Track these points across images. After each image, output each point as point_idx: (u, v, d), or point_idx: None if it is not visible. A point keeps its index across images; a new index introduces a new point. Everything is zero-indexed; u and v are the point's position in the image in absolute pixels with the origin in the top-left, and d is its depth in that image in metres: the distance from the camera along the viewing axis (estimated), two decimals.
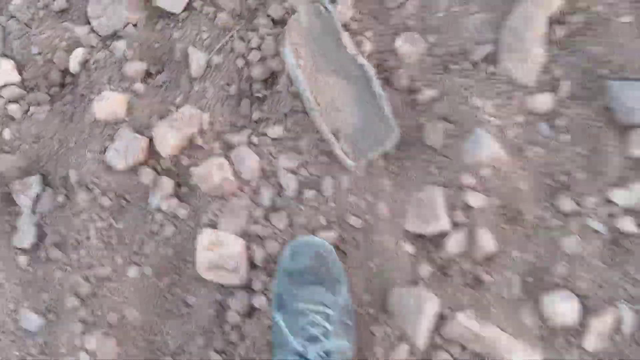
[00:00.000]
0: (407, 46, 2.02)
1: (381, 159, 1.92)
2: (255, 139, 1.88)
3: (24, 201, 1.72)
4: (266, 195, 1.87)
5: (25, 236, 1.76)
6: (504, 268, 1.88)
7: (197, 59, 1.95)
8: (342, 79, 1.92)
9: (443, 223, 1.78)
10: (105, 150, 1.80)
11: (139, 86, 1.90)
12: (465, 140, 1.95)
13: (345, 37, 1.90)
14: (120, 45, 1.96)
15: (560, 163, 2.00)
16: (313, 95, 1.85)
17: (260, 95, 2.03)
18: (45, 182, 1.89)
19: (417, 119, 2.02)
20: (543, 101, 1.97)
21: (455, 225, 1.84)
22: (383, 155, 1.94)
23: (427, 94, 1.99)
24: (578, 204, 1.92)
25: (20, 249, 1.75)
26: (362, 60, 1.86)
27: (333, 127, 1.89)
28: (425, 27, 2.08)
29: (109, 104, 1.80)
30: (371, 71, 1.89)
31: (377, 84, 1.87)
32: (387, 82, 2.01)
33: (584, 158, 1.99)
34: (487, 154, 1.88)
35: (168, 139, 1.77)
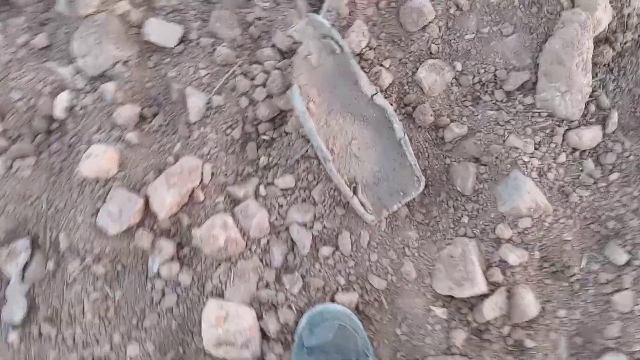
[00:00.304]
0: (432, 76, 1.83)
1: (404, 207, 1.76)
2: (263, 190, 1.70)
3: (12, 269, 1.55)
4: (277, 254, 1.72)
5: (16, 309, 1.75)
6: (549, 330, 1.68)
7: (196, 101, 1.77)
8: (359, 123, 1.84)
9: (479, 286, 1.58)
10: (97, 212, 1.60)
11: (132, 135, 1.74)
12: (500, 185, 1.75)
13: (362, 77, 1.82)
14: (109, 88, 1.79)
15: (610, 207, 1.78)
16: (326, 142, 1.78)
17: (267, 137, 1.95)
18: (35, 245, 1.71)
19: (445, 160, 1.83)
20: (589, 136, 1.75)
21: (493, 285, 1.63)
22: (407, 203, 1.86)
23: (456, 130, 1.78)
24: (631, 253, 1.69)
25: (10, 324, 1.73)
26: (381, 100, 1.83)
27: (349, 176, 1.84)
28: (452, 53, 1.88)
29: (98, 161, 1.64)
30: (392, 113, 1.81)
31: (399, 128, 1.81)
32: (409, 117, 1.89)
33: (638, 200, 1.74)
34: (526, 200, 1.68)
35: (166, 199, 1.62)
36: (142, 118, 1.92)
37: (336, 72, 1.75)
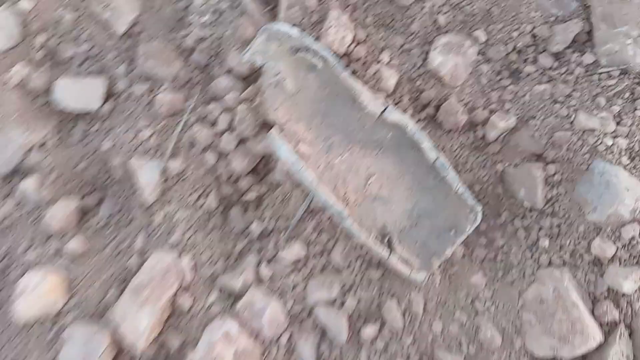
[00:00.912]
0: (449, 58, 1.44)
1: (459, 246, 1.45)
2: (266, 270, 1.30)
3: None
4: (306, 350, 1.37)
5: None
6: None
7: (147, 174, 1.35)
8: (372, 152, 1.40)
9: (593, 335, 1.14)
10: None
11: (74, 244, 1.36)
12: (581, 185, 1.29)
13: (361, 91, 1.36)
14: (29, 185, 1.35)
15: None
16: (334, 192, 1.37)
17: (253, 195, 1.52)
18: None
19: (495, 167, 1.39)
20: None
21: (607, 326, 1.18)
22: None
23: (500, 124, 1.33)
24: None
25: None
26: (394, 116, 1.38)
27: (377, 226, 1.41)
28: (467, 20, 1.45)
29: (37, 294, 1.20)
30: (414, 129, 1.36)
31: (429, 146, 1.36)
32: (432, 122, 1.63)
33: None
34: (625, 198, 1.22)
35: (140, 323, 1.20)
36: (83, 213, 1.48)
37: (324, 94, 1.31)
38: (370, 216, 1.35)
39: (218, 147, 1.50)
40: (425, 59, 1.49)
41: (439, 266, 1.40)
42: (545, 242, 1.39)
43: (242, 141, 1.51)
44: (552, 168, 1.39)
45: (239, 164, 1.48)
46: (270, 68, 1.30)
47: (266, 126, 1.53)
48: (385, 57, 1.48)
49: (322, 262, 1.44)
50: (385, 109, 1.29)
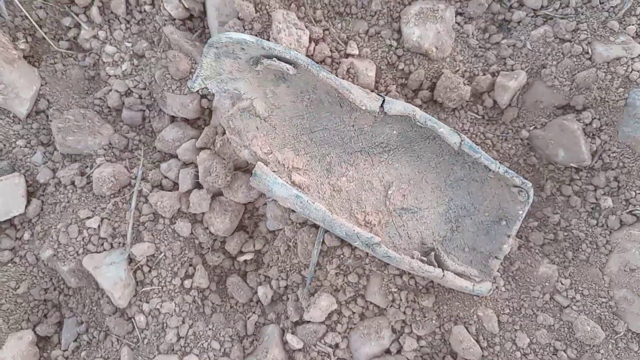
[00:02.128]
0: (428, 28, 1.31)
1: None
2: (294, 341, 1.37)
3: None
4: None
5: None
6: None
7: (109, 273, 1.20)
8: (382, 157, 1.19)
9: None
10: None
11: None
12: (624, 125, 1.22)
13: (349, 87, 1.12)
14: None
15: None
16: (351, 219, 1.15)
17: (249, 256, 1.35)
18: None
19: (519, 133, 1.33)
20: None
21: None
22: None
23: (510, 84, 1.29)
24: None
25: None
26: (396, 106, 1.15)
27: (414, 244, 1.20)
28: None
29: None
30: (423, 115, 1.13)
31: (448, 131, 1.13)
32: (432, 104, 1.35)
33: None
34: None
35: None
36: (43, 345, 1.15)
37: (304, 105, 1.12)
38: (403, 234, 1.14)
39: (188, 211, 1.26)
40: (399, 37, 1.33)
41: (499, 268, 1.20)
42: (607, 202, 1.23)
43: (215, 197, 1.27)
44: (586, 115, 1.24)
45: (219, 224, 1.24)
46: (228, 94, 1.06)
47: (240, 168, 1.30)
48: (353, 48, 1.30)
49: (360, 307, 1.21)
50: (383, 102, 1.08)
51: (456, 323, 1.24)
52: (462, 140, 1.20)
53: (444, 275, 1.17)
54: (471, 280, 1.19)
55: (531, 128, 1.34)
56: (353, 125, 1.18)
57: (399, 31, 1.38)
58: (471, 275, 1.18)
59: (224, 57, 1.09)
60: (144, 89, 1.41)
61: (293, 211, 1.27)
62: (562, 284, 1.26)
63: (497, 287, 1.26)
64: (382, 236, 1.16)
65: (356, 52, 1.40)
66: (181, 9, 1.37)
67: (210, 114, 1.42)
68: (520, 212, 1.21)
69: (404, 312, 1.26)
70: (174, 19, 1.42)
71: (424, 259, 1.16)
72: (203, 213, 1.31)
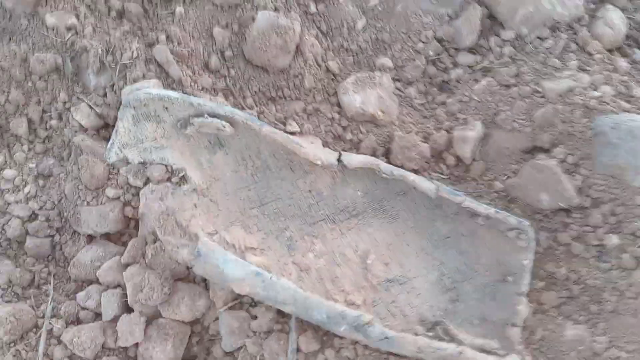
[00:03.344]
0: (368, 93, 1.13)
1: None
2: None
3: None
4: None
5: None
6: None
7: None
8: (350, 225, 1.03)
9: None
10: None
11: None
12: (601, 154, 1.09)
13: (296, 142, 1.01)
14: None
15: None
16: (328, 300, 0.93)
17: None
18: None
19: (491, 187, 1.14)
20: None
21: None
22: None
23: (468, 135, 1.08)
24: None
25: None
26: (356, 158, 1.04)
27: (412, 322, 0.98)
28: (359, 57, 1.25)
29: None
30: (388, 168, 1.03)
31: (422, 181, 1.03)
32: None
33: None
34: None
35: None
36: None
37: (249, 172, 0.92)
38: (396, 312, 0.93)
39: (116, 345, 0.98)
40: (340, 110, 1.23)
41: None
42: (613, 240, 1.08)
43: (150, 320, 1.02)
44: (559, 152, 1.13)
45: (160, 355, 0.97)
46: (155, 172, 0.89)
47: (180, 279, 1.07)
48: (293, 126, 1.18)
49: None
50: (340, 155, 0.94)
51: None
52: (438, 187, 1.06)
53: (460, 352, 0.94)
54: (495, 355, 0.96)
55: (504, 178, 1.25)
56: (310, 191, 0.99)
57: (338, 104, 1.30)
58: (493, 349, 0.96)
59: (144, 120, 0.92)
60: (52, 209, 1.18)
61: (254, 317, 1.03)
62: (598, 343, 1.05)
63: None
64: (374, 313, 0.93)
65: (297, 129, 1.28)
66: (93, 116, 1.19)
67: (136, 226, 1.21)
68: (525, 261, 1.03)
69: None
70: (86, 130, 1.27)
71: (431, 334, 0.94)
72: (136, 344, 1.03)
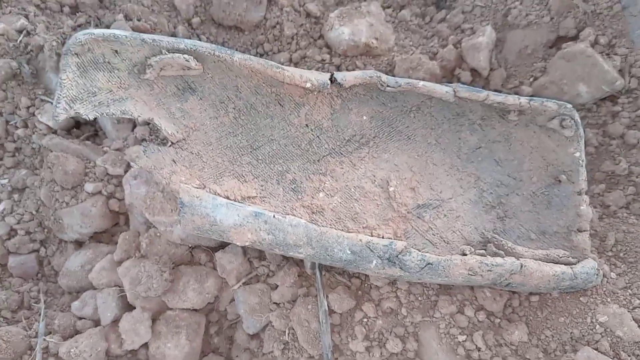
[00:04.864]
0: (356, 23, 1.01)
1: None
2: None
3: None
4: None
5: None
6: None
7: None
8: (361, 153, 0.89)
9: None
10: None
11: None
12: (634, 25, 0.87)
13: (285, 69, 0.85)
14: None
15: None
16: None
17: None
18: None
19: (517, 93, 0.91)
20: None
21: None
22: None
23: (480, 42, 0.93)
24: None
25: None
26: (351, 74, 0.87)
27: (458, 245, 0.84)
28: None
29: None
30: (385, 77, 0.87)
31: (442, 89, 0.87)
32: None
33: None
34: None
35: None
36: None
37: (233, 116, 0.81)
38: (436, 240, 0.78)
39: (122, 350, 0.86)
40: (330, 50, 1.11)
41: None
42: None
43: (157, 315, 0.90)
44: (588, 35, 1.00)
45: (175, 351, 0.84)
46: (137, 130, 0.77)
47: (180, 263, 0.95)
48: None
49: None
50: (332, 75, 0.83)
51: (576, 348, 0.83)
52: (454, 87, 0.93)
53: (522, 265, 0.79)
54: (565, 262, 0.81)
55: (531, 80, 1.10)
56: (307, 125, 0.86)
57: (327, 45, 1.16)
58: (561, 258, 0.81)
59: (93, 70, 0.78)
60: (31, 220, 1.07)
61: (274, 288, 0.90)
62: None
63: (604, 276, 0.88)
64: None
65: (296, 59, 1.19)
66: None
67: (127, 221, 1.10)
68: (577, 153, 0.89)
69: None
70: (55, 132, 1.18)
71: (483, 251, 0.80)
72: (145, 344, 0.91)
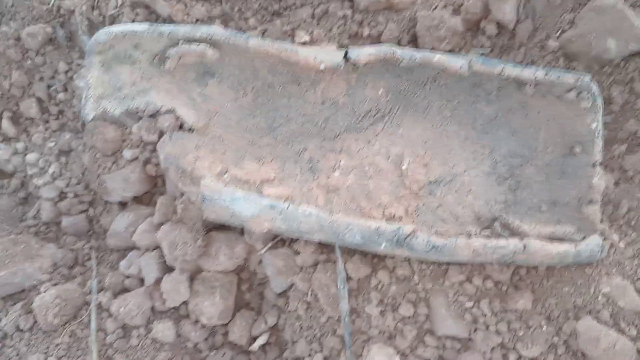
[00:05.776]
0: None
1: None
2: None
3: None
4: None
5: None
6: None
7: None
8: (376, 129, 0.93)
9: None
10: None
11: None
12: None
13: (297, 50, 0.89)
14: None
15: None
16: (364, 217, 0.86)
17: (263, 339, 0.99)
18: None
19: (544, 49, 0.90)
20: None
21: None
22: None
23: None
24: None
25: None
26: (365, 51, 0.90)
27: (466, 223, 0.89)
28: None
29: None
30: (401, 51, 0.88)
31: (443, 59, 0.88)
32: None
33: None
34: None
35: None
36: None
37: (252, 97, 0.85)
38: (446, 216, 0.84)
39: (165, 307, 0.99)
40: (352, 3, 1.10)
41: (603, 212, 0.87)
42: None
43: (194, 276, 1.01)
44: None
45: (211, 308, 0.96)
46: (162, 118, 0.84)
47: (213, 228, 1.05)
48: (301, 36, 1.08)
49: (433, 349, 0.87)
50: (346, 52, 0.84)
51: (578, 317, 0.88)
52: (470, 60, 0.93)
53: (525, 246, 0.84)
54: (569, 240, 0.85)
55: (559, 33, 1.09)
56: (323, 102, 0.90)
57: None
58: (565, 235, 0.85)
59: (116, 65, 0.86)
60: (78, 183, 1.17)
61: (297, 253, 0.98)
62: None
63: (611, 245, 0.92)
64: (417, 226, 0.85)
65: (307, 38, 1.19)
66: None
67: (164, 182, 1.20)
68: (594, 124, 0.89)
69: (498, 332, 0.91)
70: None
71: (487, 233, 0.85)
72: (185, 302, 1.02)
